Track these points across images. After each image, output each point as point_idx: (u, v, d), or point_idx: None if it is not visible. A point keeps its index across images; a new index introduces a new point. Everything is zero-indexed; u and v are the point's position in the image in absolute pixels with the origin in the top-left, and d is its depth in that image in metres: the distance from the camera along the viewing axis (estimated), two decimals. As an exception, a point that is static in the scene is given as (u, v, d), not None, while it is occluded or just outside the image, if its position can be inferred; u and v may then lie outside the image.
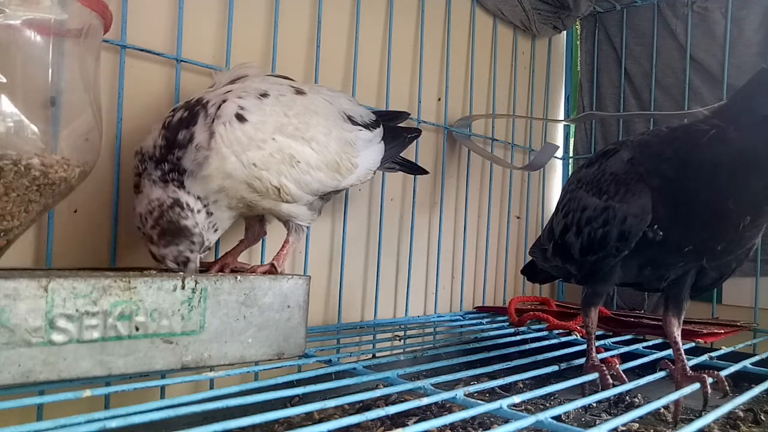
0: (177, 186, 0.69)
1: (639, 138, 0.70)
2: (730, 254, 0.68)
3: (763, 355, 0.87)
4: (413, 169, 1.08)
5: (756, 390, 0.68)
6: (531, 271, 1.05)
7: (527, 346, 0.90)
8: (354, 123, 0.86)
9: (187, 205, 0.69)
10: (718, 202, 0.61)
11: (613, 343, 0.96)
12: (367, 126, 0.88)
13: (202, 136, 0.69)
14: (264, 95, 0.75)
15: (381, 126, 0.91)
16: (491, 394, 0.91)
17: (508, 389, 0.93)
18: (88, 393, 0.51)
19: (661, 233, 0.64)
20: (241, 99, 0.73)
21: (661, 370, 0.73)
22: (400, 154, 1.00)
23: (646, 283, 0.76)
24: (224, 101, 0.71)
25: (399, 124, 1.01)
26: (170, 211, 0.69)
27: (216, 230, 0.73)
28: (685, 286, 0.74)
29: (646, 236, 0.65)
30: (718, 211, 0.62)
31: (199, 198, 0.70)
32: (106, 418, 0.43)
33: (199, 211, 0.70)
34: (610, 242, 0.66)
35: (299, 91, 0.80)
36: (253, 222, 0.85)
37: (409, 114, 1.04)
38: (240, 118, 0.71)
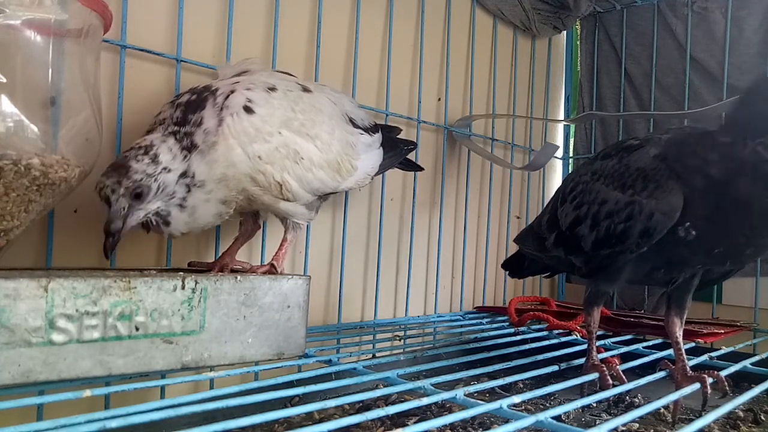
0: (180, 148, 0.68)
1: (668, 136, 0.69)
2: (753, 259, 0.67)
3: (763, 355, 0.87)
4: (410, 166, 1.09)
5: (756, 390, 0.68)
6: (514, 265, 1.04)
7: (527, 346, 0.90)
8: (355, 126, 0.86)
9: (156, 156, 0.66)
10: (761, 213, 0.61)
11: (613, 343, 0.96)
12: (367, 130, 0.89)
13: (211, 122, 0.69)
14: (272, 89, 0.75)
15: (380, 131, 0.92)
16: (491, 394, 0.91)
17: (508, 389, 0.93)
18: (88, 393, 0.51)
19: (693, 233, 0.63)
20: (250, 91, 0.73)
21: (661, 370, 0.73)
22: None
23: (654, 284, 0.75)
24: (232, 92, 0.71)
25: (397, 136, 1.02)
26: (135, 149, 0.66)
27: (182, 208, 0.68)
28: (690, 288, 0.74)
29: (677, 235, 0.64)
30: (761, 220, 0.61)
31: (186, 174, 0.68)
32: (106, 418, 0.43)
33: (168, 171, 0.66)
34: (631, 237, 0.65)
35: (305, 89, 0.80)
36: (248, 217, 0.85)
37: (401, 129, 1.06)
38: (248, 109, 0.71)
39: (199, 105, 0.70)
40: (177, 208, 0.69)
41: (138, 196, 0.65)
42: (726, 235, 0.63)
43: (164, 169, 0.67)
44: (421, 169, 1.12)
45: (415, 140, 1.16)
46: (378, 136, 0.91)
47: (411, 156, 1.20)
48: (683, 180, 0.64)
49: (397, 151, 0.97)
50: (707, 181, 0.62)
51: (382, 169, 0.94)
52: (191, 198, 0.69)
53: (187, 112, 0.70)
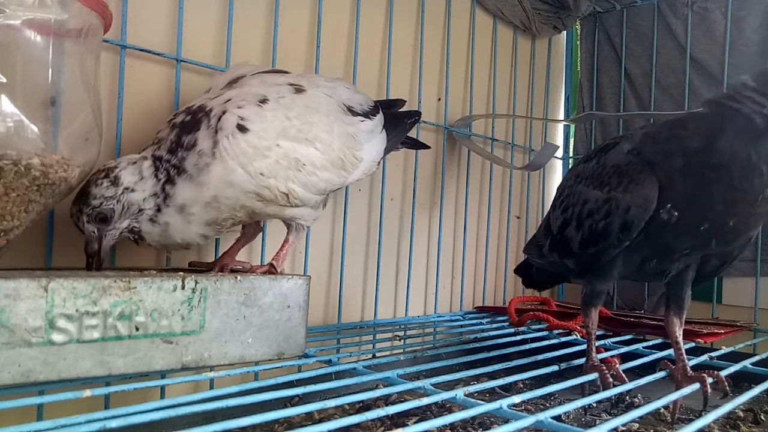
0: (155, 172, 0.68)
1: (643, 131, 0.71)
2: (739, 236, 0.67)
3: (763, 355, 0.87)
4: (415, 144, 1.07)
5: (756, 390, 0.68)
6: (525, 273, 1.04)
7: (527, 346, 0.90)
8: (354, 114, 0.84)
9: (116, 178, 0.66)
10: (744, 173, 0.61)
11: (613, 343, 0.96)
12: (367, 114, 0.86)
13: (205, 144, 0.69)
14: (263, 101, 0.74)
15: (381, 112, 0.89)
16: (491, 394, 0.91)
17: (508, 389, 0.93)
18: (88, 393, 0.51)
19: (676, 214, 0.64)
20: (241, 109, 0.71)
21: (661, 370, 0.73)
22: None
23: (647, 278, 0.75)
24: (224, 112, 0.71)
25: (398, 110, 0.98)
26: (97, 173, 0.67)
27: (154, 223, 0.69)
28: (687, 284, 0.74)
29: (660, 219, 0.65)
30: (743, 181, 0.62)
31: (158, 195, 0.68)
32: (106, 418, 0.43)
33: (132, 191, 0.67)
34: (612, 233, 0.67)
35: (298, 89, 0.79)
36: None
37: (405, 101, 1.02)
38: (242, 128, 0.70)
39: (194, 126, 0.70)
40: (149, 223, 0.69)
41: (103, 219, 0.66)
42: (708, 208, 0.64)
43: (126, 189, 0.67)
44: (426, 146, 1.10)
45: (416, 137, 1.16)
46: (379, 118, 0.88)
47: (412, 155, 1.21)
48: (660, 166, 0.65)
49: (400, 128, 0.94)
50: (686, 157, 0.64)
51: (388, 150, 0.91)
52: (162, 216, 0.69)
53: (182, 134, 0.70)
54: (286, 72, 0.84)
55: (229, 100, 0.73)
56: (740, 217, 0.64)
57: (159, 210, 0.69)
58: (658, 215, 0.65)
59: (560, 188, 0.80)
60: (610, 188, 0.68)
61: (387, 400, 0.81)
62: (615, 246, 0.68)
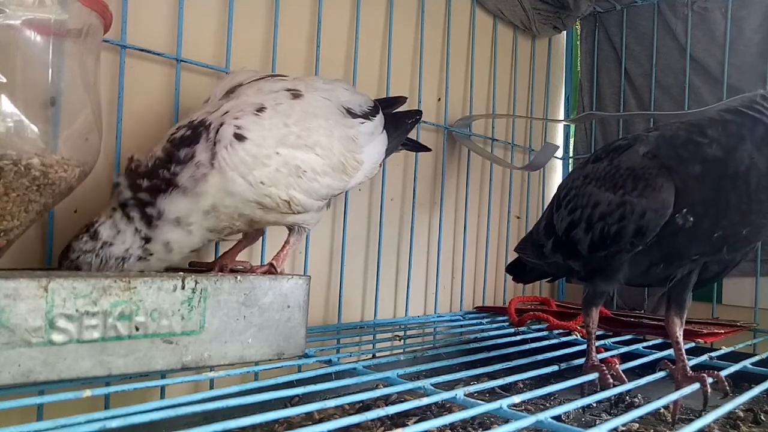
0: (127, 216, 0.68)
1: (657, 133, 0.69)
2: (749, 244, 0.67)
3: (763, 355, 0.87)
4: (416, 147, 1.07)
5: (756, 390, 0.68)
6: (517, 270, 1.04)
7: (527, 346, 0.90)
8: (354, 116, 0.83)
9: (96, 233, 0.68)
10: (761, 183, 0.61)
11: (613, 343, 0.96)
12: (367, 115, 0.85)
13: (203, 156, 0.68)
14: (260, 109, 0.73)
15: (381, 112, 0.88)
16: (491, 394, 0.91)
17: (508, 389, 0.93)
18: (88, 393, 0.51)
19: (691, 219, 0.64)
20: (238, 119, 0.71)
21: (661, 370, 0.73)
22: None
23: (652, 283, 0.75)
24: (222, 124, 0.70)
25: (398, 110, 0.97)
26: (82, 228, 0.68)
27: (146, 259, 0.70)
28: (688, 285, 0.74)
29: (675, 224, 0.64)
30: (760, 192, 0.61)
31: (138, 230, 0.68)
32: (106, 418, 0.43)
33: (110, 245, 0.68)
34: (625, 237, 0.66)
35: (296, 95, 0.78)
36: None
37: (406, 98, 1.00)
38: (239, 138, 0.69)
39: (194, 140, 0.70)
40: (140, 261, 0.69)
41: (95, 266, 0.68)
42: (723, 215, 0.63)
43: (105, 243, 0.68)
44: (428, 149, 1.09)
45: (416, 138, 1.16)
46: (379, 118, 0.87)
47: (412, 155, 1.21)
48: (676, 172, 0.64)
49: (402, 129, 0.93)
50: (704, 164, 0.63)
51: (390, 152, 0.91)
52: (153, 245, 0.69)
53: (179, 149, 0.69)
54: (284, 76, 0.84)
55: (227, 112, 0.72)
56: (753, 226, 0.64)
57: (148, 242, 0.69)
58: (672, 220, 0.64)
59: (564, 188, 0.78)
60: (624, 191, 0.66)
61: (387, 400, 0.81)
62: (627, 250, 0.67)
